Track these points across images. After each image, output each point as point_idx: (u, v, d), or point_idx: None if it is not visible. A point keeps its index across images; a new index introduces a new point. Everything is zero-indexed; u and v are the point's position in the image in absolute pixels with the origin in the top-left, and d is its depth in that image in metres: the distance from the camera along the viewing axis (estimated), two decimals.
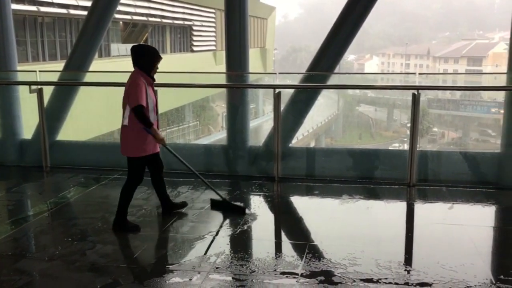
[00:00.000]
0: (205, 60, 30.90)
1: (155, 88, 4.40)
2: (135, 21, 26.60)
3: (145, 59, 4.19)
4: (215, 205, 4.90)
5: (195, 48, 32.28)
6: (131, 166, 4.32)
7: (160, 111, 6.83)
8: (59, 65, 7.65)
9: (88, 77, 7.28)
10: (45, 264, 3.69)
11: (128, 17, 25.40)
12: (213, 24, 34.27)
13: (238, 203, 4.88)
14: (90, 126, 11.37)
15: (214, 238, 4.19)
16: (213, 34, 34.47)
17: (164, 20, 28.75)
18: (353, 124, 48.91)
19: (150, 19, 27.49)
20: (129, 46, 28.31)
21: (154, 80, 4.30)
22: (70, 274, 3.55)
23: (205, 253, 3.86)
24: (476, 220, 4.60)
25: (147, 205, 5.00)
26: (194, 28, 32.18)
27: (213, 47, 34.06)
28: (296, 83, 6.76)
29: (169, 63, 26.46)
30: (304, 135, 31.55)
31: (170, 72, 6.71)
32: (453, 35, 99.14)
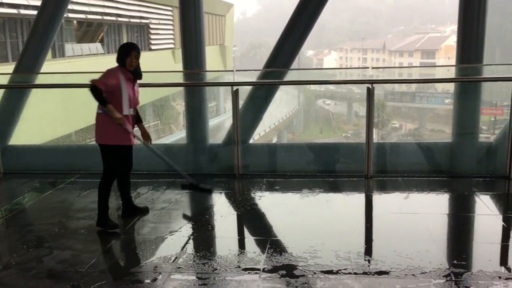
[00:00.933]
0: (163, 58, 30.50)
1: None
2: (90, 20, 25.97)
3: (119, 54, 4.26)
4: (185, 187, 5.28)
5: (153, 47, 31.84)
6: (104, 155, 4.29)
7: None
8: (11, 67, 7.39)
9: (41, 79, 7.08)
10: (0, 273, 3.57)
11: (82, 16, 24.77)
12: (171, 22, 33.88)
13: (206, 186, 5.27)
14: (45, 129, 11.04)
15: (175, 238, 4.16)
16: (171, 32, 34.09)
17: (120, 19, 28.20)
18: (314, 119, 49.53)
19: (106, 17, 26.90)
20: (84, 46, 27.53)
21: (137, 76, 4.37)
22: (26, 282, 3.45)
23: (167, 254, 3.82)
24: (430, 208, 4.76)
25: None
26: (152, 26, 31.73)
27: (172, 46, 33.69)
28: (255, 79, 6.78)
29: None
30: (266, 131, 31.68)
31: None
32: (407, 29, 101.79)
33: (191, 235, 4.24)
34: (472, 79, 5.80)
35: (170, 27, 34.01)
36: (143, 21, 30.75)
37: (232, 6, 47.48)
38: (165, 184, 5.56)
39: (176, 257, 3.74)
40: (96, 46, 27.62)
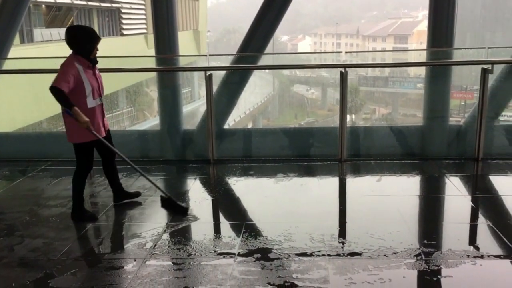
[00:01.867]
0: (136, 43, 29.98)
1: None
2: (59, 4, 25.27)
3: (81, 42, 3.95)
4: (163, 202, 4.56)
5: (125, 32, 31.21)
6: (77, 152, 4.17)
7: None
8: None
9: (9, 64, 6.88)
10: None
11: (51, 0, 24.08)
12: (143, 7, 33.24)
13: (181, 204, 4.51)
14: (14, 116, 10.77)
15: (150, 224, 4.14)
16: (144, 17, 33.46)
17: (90, 3, 27.52)
18: (289, 104, 49.63)
19: (75, 1, 26.21)
20: (53, 31, 26.80)
21: (95, 62, 4.08)
22: None
23: (141, 240, 3.81)
24: (402, 190, 4.85)
25: None
26: (123, 11, 31.08)
27: (144, 31, 33.10)
28: (228, 65, 6.74)
29: (99, 48, 25.51)
30: (241, 117, 31.64)
31: (98, 57, 6.47)
32: (380, 14, 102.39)
33: (166, 221, 4.23)
34: (442, 63, 5.89)
35: (143, 11, 33.37)
36: (114, 5, 30.08)
37: None
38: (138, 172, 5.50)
39: (151, 243, 3.73)
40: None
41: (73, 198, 4.24)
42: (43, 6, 24.78)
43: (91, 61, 4.04)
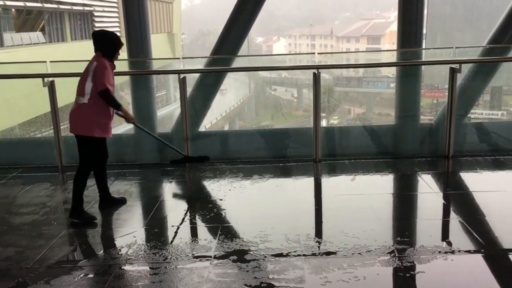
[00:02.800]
0: None
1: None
2: (29, 8, 24.78)
3: (109, 45, 4.22)
4: (176, 163, 5.47)
5: None
6: (86, 147, 4.21)
7: (62, 104, 6.51)
8: None
9: None
10: None
11: (21, 3, 23.60)
12: (115, 10, 32.87)
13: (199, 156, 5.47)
14: None
15: (125, 229, 4.10)
16: (117, 20, 33.08)
17: (61, 6, 27.07)
18: (265, 106, 49.73)
19: (46, 5, 25.75)
20: (24, 35, 26.21)
21: (114, 66, 4.32)
22: None
23: (116, 245, 3.77)
24: (376, 189, 4.93)
25: (52, 201, 4.78)
26: (96, 14, 30.68)
27: (117, 34, 32.71)
28: (202, 67, 6.74)
29: (70, 52, 25.11)
30: (217, 119, 31.55)
31: (71, 61, 6.42)
32: (353, 15, 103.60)
33: (141, 225, 4.20)
34: (411, 63, 6.01)
35: (115, 14, 33.01)
36: (86, 8, 29.67)
37: None
38: (113, 175, 5.44)
39: (126, 249, 3.69)
40: (37, 35, 26.42)
41: (73, 197, 4.23)
42: (13, 10, 24.27)
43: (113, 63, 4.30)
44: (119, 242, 3.84)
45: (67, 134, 5.23)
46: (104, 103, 4.15)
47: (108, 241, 3.88)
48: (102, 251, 3.69)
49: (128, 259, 3.53)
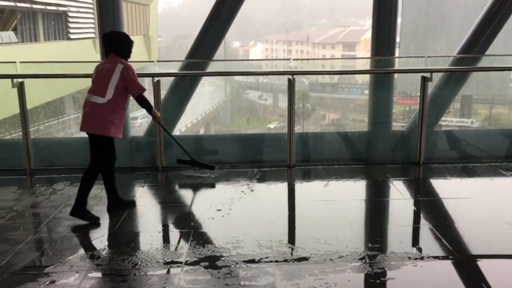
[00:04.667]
0: (84, 48, 29.17)
1: None
2: (1, 6, 24.19)
3: (125, 46, 4.28)
4: (182, 162, 5.52)
5: (72, 36, 30.29)
6: (102, 147, 4.24)
7: (31, 105, 6.34)
8: None
9: None
10: None
11: None
12: (91, 10, 32.39)
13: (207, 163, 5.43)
14: None
15: (94, 234, 4.02)
16: (92, 21, 32.60)
17: (35, 6, 26.53)
18: (241, 110, 49.73)
19: (19, 4, 25.19)
20: None
21: None
22: None
23: (84, 252, 3.69)
24: (348, 195, 4.96)
25: (18, 205, 4.65)
26: (70, 14, 30.16)
27: (93, 35, 32.25)
28: (177, 71, 6.69)
29: (44, 52, 24.61)
30: (193, 123, 31.37)
31: (42, 62, 6.29)
32: (329, 22, 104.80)
33: (111, 231, 4.12)
34: (384, 71, 6.09)
35: (91, 15, 32.53)
36: (60, 8, 29.14)
37: None
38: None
39: (94, 255, 3.61)
40: (9, 35, 25.79)
41: (78, 195, 4.21)
42: None
43: None
44: (87, 247, 3.76)
45: (37, 136, 5.11)
46: (124, 104, 4.27)
47: (76, 247, 3.79)
48: (69, 257, 3.60)
49: (96, 265, 3.46)
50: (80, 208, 4.21)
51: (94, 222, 4.21)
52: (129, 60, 4.34)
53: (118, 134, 4.31)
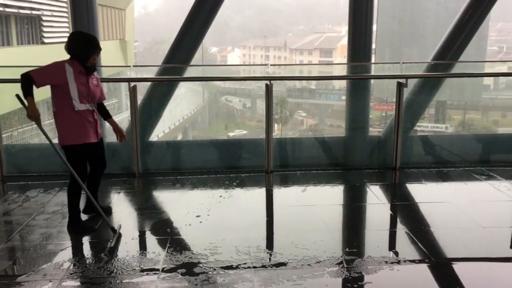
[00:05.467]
0: (58, 52, 28.62)
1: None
2: None
3: (77, 47, 4.01)
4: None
5: (46, 40, 29.79)
6: (69, 157, 4.02)
7: (4, 111, 6.18)
8: None
9: None
10: None
11: None
12: (65, 14, 31.93)
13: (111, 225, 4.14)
14: None
15: (68, 242, 3.93)
16: (67, 25, 32.13)
17: (7, 9, 26.01)
18: (219, 115, 49.66)
19: None
20: None
21: (91, 70, 4.06)
22: None
23: (58, 260, 3.60)
24: (326, 200, 4.98)
25: None
26: (44, 18, 29.68)
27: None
28: (154, 76, 6.63)
29: (16, 57, 24.13)
30: (170, 129, 31.16)
31: (18, 66, 6.15)
32: (306, 28, 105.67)
33: (85, 239, 4.04)
34: (360, 77, 6.16)
35: (65, 19, 32.07)
36: (34, 12, 28.66)
37: None
38: (57, 186, 5.24)
39: (68, 263, 3.54)
40: None
41: (69, 210, 4.09)
42: None
43: (86, 68, 4.01)
44: (61, 255, 3.67)
45: (10, 142, 4.99)
46: (63, 104, 3.99)
47: (50, 255, 3.70)
48: (42, 266, 3.51)
49: (70, 273, 3.38)
50: (73, 222, 4.14)
51: (93, 230, 4.15)
52: (100, 65, 4.19)
53: (78, 140, 4.01)
